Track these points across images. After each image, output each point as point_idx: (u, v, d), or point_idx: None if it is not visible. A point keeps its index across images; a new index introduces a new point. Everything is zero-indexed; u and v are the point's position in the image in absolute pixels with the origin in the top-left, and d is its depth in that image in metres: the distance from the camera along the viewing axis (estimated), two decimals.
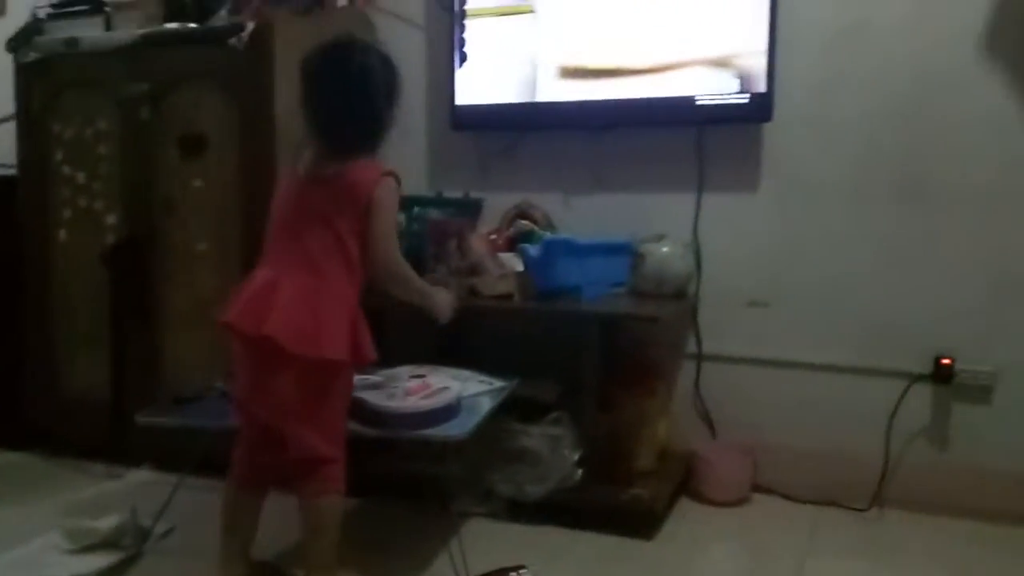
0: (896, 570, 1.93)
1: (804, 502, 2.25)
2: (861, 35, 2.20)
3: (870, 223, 2.23)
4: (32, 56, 2.49)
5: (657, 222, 2.33)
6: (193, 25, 2.36)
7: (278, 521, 1.75)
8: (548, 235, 2.32)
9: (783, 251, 2.31)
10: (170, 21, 2.39)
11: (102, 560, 1.85)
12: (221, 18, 2.35)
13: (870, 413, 2.23)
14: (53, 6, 2.59)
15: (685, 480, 2.29)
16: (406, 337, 2.33)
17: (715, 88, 2.24)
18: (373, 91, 1.59)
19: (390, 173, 1.63)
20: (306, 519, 1.62)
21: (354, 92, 1.58)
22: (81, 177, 2.47)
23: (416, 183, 2.58)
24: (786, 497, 2.28)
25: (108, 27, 2.47)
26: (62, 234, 2.52)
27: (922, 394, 2.21)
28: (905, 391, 2.20)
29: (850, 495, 2.23)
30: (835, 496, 2.24)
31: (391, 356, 2.06)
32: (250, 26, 2.21)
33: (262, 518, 1.73)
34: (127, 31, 2.39)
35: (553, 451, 2.08)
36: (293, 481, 1.63)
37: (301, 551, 1.68)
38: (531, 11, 2.40)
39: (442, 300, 1.79)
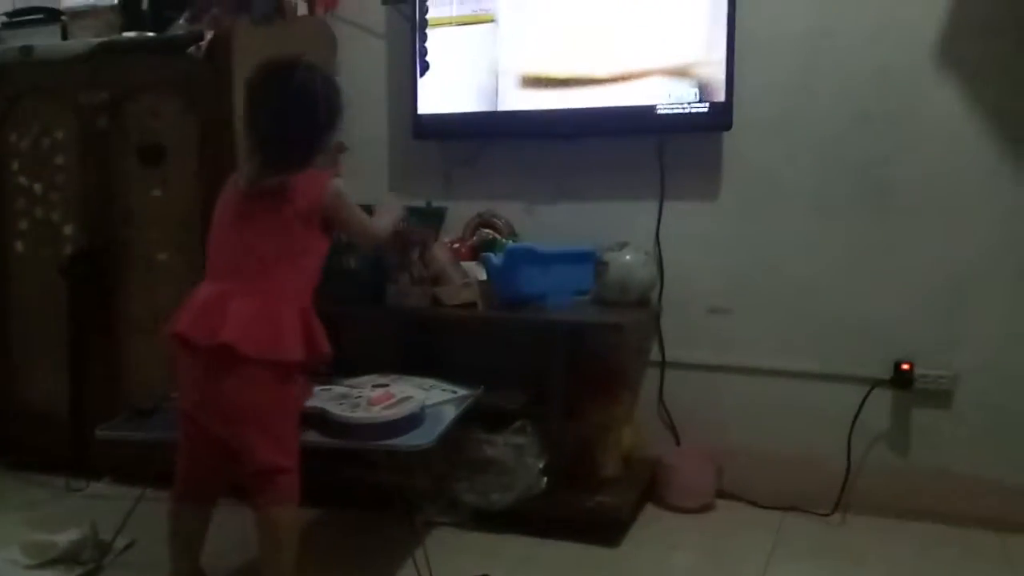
0: (860, 573, 1.94)
1: (768, 508, 2.27)
2: (821, 43, 2.23)
3: (831, 229, 2.26)
4: None
5: (620, 230, 2.34)
6: (151, 34, 2.34)
7: (239, 534, 1.73)
8: (511, 244, 2.32)
9: (745, 258, 2.33)
10: (128, 30, 2.37)
11: (61, 575, 1.82)
12: (180, 27, 2.33)
13: (833, 418, 2.25)
14: (8, 15, 2.56)
15: (650, 487, 2.30)
16: (370, 346, 2.33)
17: (675, 97, 2.25)
18: (311, 109, 1.64)
19: (332, 176, 1.70)
20: (261, 531, 1.61)
21: (292, 109, 1.62)
22: (38, 188, 2.44)
23: (378, 192, 2.58)
24: (751, 503, 2.30)
25: (65, 36, 2.45)
26: (19, 245, 2.48)
27: (883, 399, 2.23)
28: (866, 396, 2.22)
29: (814, 500, 2.25)
30: (799, 501, 2.25)
31: (355, 365, 2.05)
32: (209, 35, 2.19)
33: (221, 532, 1.71)
34: (84, 40, 2.37)
35: (518, 459, 2.08)
36: (247, 493, 1.62)
37: (260, 564, 1.65)
38: (492, 20, 2.40)
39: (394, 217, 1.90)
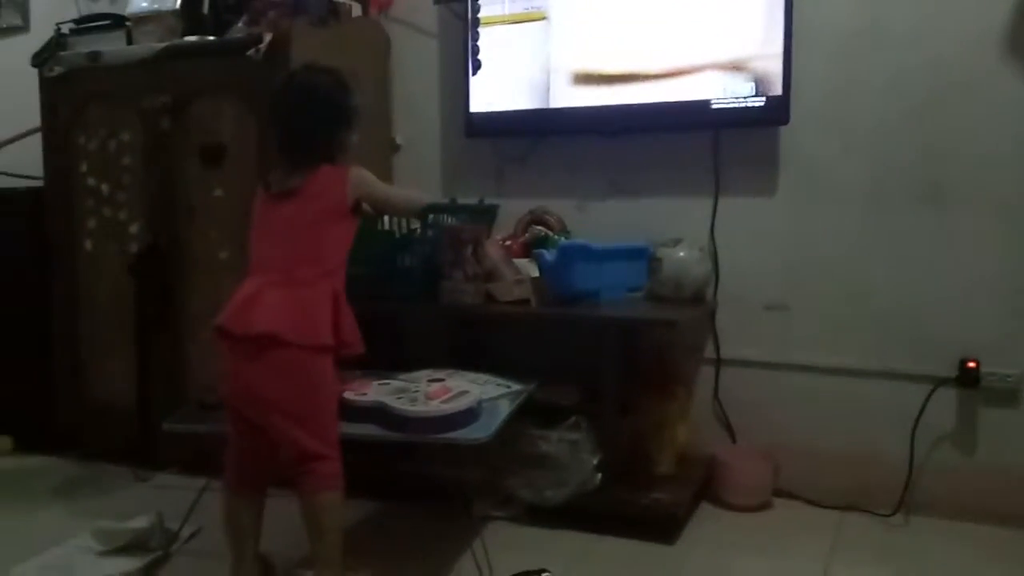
0: (920, 575, 1.90)
1: (827, 507, 2.23)
2: (878, 37, 2.18)
3: (891, 225, 2.21)
4: (57, 71, 2.54)
5: (673, 226, 2.33)
6: (211, 38, 2.39)
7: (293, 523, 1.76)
8: (563, 240, 2.33)
9: (802, 254, 2.30)
10: (189, 34, 2.43)
11: (132, 562, 1.89)
12: (239, 30, 2.38)
13: (894, 417, 2.20)
14: (76, 21, 2.65)
15: (706, 485, 2.28)
16: (424, 343, 2.36)
17: (731, 91, 2.23)
18: (315, 107, 1.75)
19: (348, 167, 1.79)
20: (306, 518, 1.65)
21: (297, 109, 1.76)
22: (105, 188, 2.52)
23: (431, 190, 2.60)
24: (809, 502, 2.26)
25: (129, 41, 2.52)
26: (88, 244, 2.56)
27: (947, 398, 2.18)
28: (930, 395, 2.17)
29: (875, 500, 2.20)
30: (859, 501, 2.21)
31: (409, 361, 2.08)
32: (267, 38, 2.24)
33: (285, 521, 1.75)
34: (148, 44, 2.43)
35: (572, 455, 2.08)
36: (290, 481, 1.66)
37: (309, 551, 1.69)
38: (544, 17, 2.41)
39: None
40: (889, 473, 2.20)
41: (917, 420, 2.18)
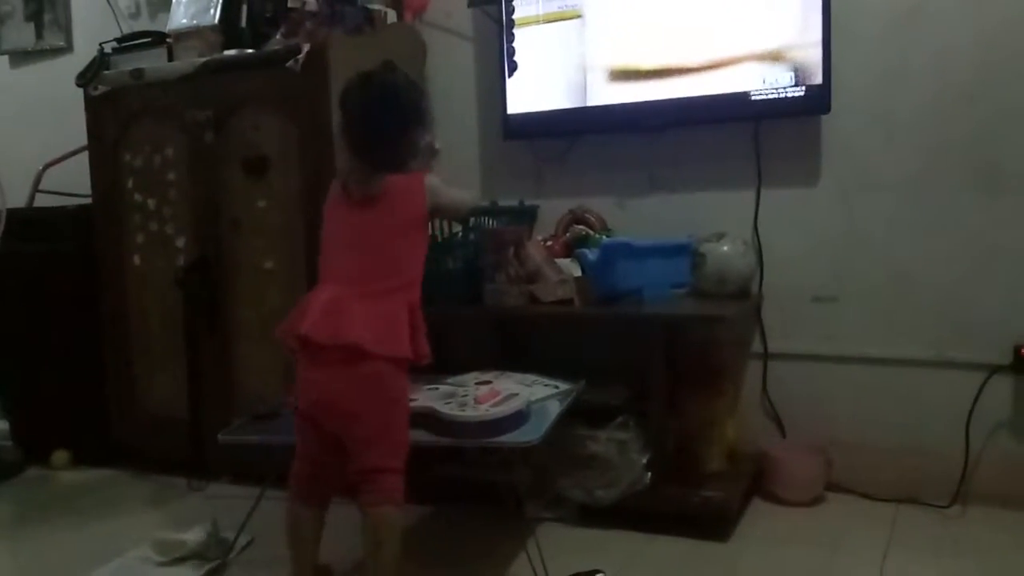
0: (982, 569, 1.87)
1: (882, 500, 2.20)
2: (920, 19, 2.15)
3: (939, 211, 2.17)
4: (101, 89, 2.60)
5: (715, 221, 2.31)
6: (250, 51, 2.43)
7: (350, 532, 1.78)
8: (605, 239, 2.32)
9: (848, 244, 2.27)
10: (228, 48, 2.47)
11: (191, 572, 1.92)
12: (276, 42, 2.42)
13: (948, 407, 2.17)
14: (118, 40, 2.71)
15: (757, 481, 2.26)
16: (469, 345, 2.36)
17: (770, 82, 2.20)
18: (393, 109, 1.72)
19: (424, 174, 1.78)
20: (365, 529, 1.65)
21: (376, 111, 1.71)
22: (152, 203, 2.57)
23: (472, 192, 2.61)
24: (863, 495, 2.23)
25: (171, 57, 2.57)
26: (136, 259, 2.62)
27: (1002, 385, 2.14)
28: (984, 383, 2.13)
29: (930, 492, 2.17)
30: (914, 493, 2.18)
31: (456, 363, 2.09)
32: (305, 48, 2.26)
33: (336, 529, 1.77)
34: (189, 60, 2.48)
35: (622, 455, 2.08)
36: (354, 491, 1.66)
37: (364, 561, 1.70)
38: (579, 15, 2.40)
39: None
40: (944, 464, 2.16)
41: (972, 409, 2.14)
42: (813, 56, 2.15)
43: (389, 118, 1.70)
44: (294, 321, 1.66)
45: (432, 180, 1.77)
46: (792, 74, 2.18)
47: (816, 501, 2.22)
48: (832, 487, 2.26)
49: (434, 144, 2.25)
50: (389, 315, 1.65)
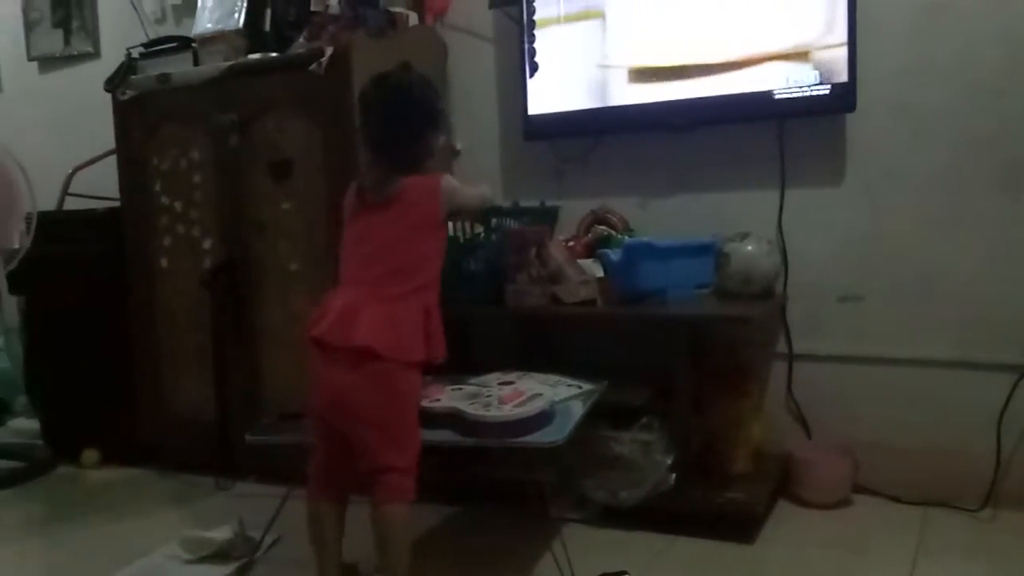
0: (1015, 573, 1.84)
1: (911, 503, 2.17)
2: (946, 15, 2.12)
3: (967, 209, 2.14)
4: (129, 94, 2.63)
5: (739, 220, 2.29)
6: (274, 54, 2.45)
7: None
8: (628, 239, 2.31)
9: (874, 244, 2.24)
10: (252, 52, 2.49)
11: (219, 570, 1.94)
12: (300, 45, 2.43)
13: (978, 408, 2.13)
14: (145, 45, 2.74)
15: (782, 482, 2.24)
16: (491, 346, 2.37)
17: (794, 80, 2.19)
18: (408, 109, 1.74)
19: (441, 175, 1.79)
20: (375, 527, 1.67)
21: (390, 112, 1.73)
22: (178, 206, 2.60)
23: (493, 191, 2.61)
24: (891, 498, 2.20)
25: (196, 62, 2.60)
26: (163, 261, 2.65)
27: None
28: (1016, 383, 2.09)
29: (961, 495, 2.13)
30: (944, 496, 2.15)
31: (478, 364, 2.09)
32: (328, 51, 2.28)
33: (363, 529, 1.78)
34: (214, 64, 2.50)
35: (646, 456, 2.07)
36: (366, 488, 1.68)
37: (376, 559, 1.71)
38: (600, 15, 2.40)
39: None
40: (975, 466, 2.13)
41: (1003, 410, 2.10)
42: (838, 53, 2.13)
43: (403, 119, 1.72)
44: (312, 324, 1.69)
45: (449, 180, 1.78)
46: (817, 72, 2.16)
47: (842, 503, 2.20)
48: (859, 489, 2.23)
49: (454, 145, 2.27)
50: (403, 319, 1.67)
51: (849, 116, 2.21)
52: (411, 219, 1.72)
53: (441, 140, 1.80)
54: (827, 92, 2.16)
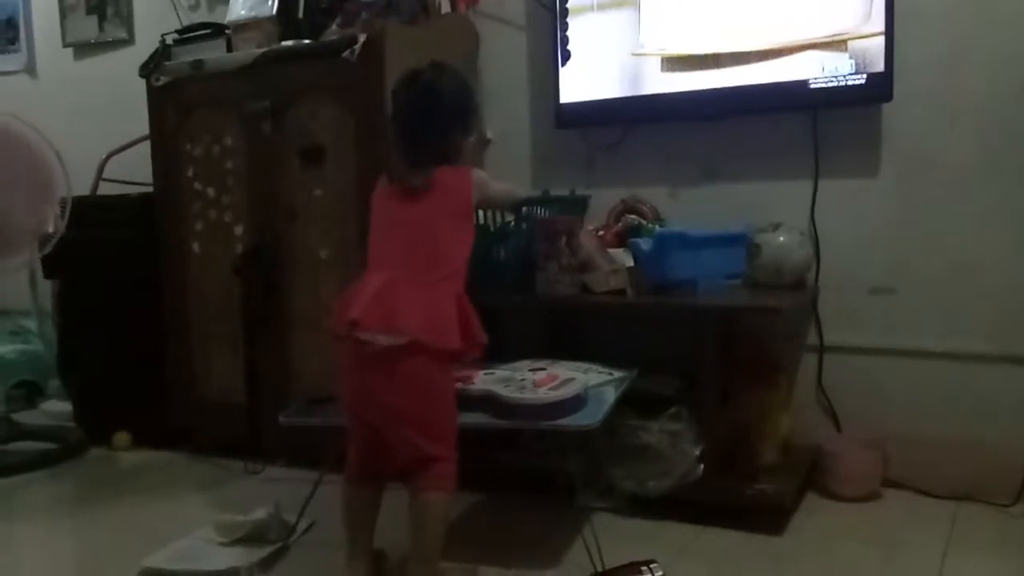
0: None
1: (941, 497, 2.15)
2: (985, 4, 2.09)
3: (1004, 201, 2.11)
4: (163, 80, 2.66)
5: (771, 211, 2.27)
6: (307, 41, 2.46)
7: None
8: (659, 229, 2.30)
9: (908, 235, 2.22)
10: (286, 39, 2.50)
11: (255, 552, 1.95)
12: (333, 32, 2.44)
13: (1011, 401, 2.11)
14: (179, 32, 2.76)
15: (811, 475, 2.23)
16: (521, 334, 2.37)
17: (829, 70, 2.16)
18: (437, 105, 1.75)
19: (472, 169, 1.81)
20: (412, 513, 1.67)
21: (421, 107, 1.74)
22: (211, 191, 2.62)
23: (522, 183, 2.61)
24: (921, 492, 2.19)
25: (229, 48, 2.61)
26: (196, 246, 2.67)
27: None
28: None
29: (992, 490, 2.11)
30: (975, 491, 2.13)
31: (507, 352, 2.10)
32: (362, 38, 2.28)
33: (394, 515, 1.79)
34: (247, 51, 2.51)
35: (674, 446, 2.07)
36: (405, 475, 1.69)
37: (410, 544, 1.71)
38: (634, 3, 2.38)
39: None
40: (1007, 461, 2.10)
41: None
42: (874, 43, 2.11)
43: (429, 121, 1.74)
44: (344, 308, 1.67)
45: (479, 174, 1.81)
46: (853, 62, 2.14)
47: (872, 497, 2.19)
48: (889, 483, 2.22)
49: (486, 135, 2.27)
50: (438, 304, 1.66)
51: (885, 106, 2.18)
52: (442, 209, 1.72)
53: (472, 139, 1.81)
54: (863, 82, 2.14)
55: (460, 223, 1.75)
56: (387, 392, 1.64)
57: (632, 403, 2.06)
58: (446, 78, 1.78)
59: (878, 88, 2.13)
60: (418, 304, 1.64)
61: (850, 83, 2.15)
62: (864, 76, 2.13)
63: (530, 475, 2.16)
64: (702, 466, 2.07)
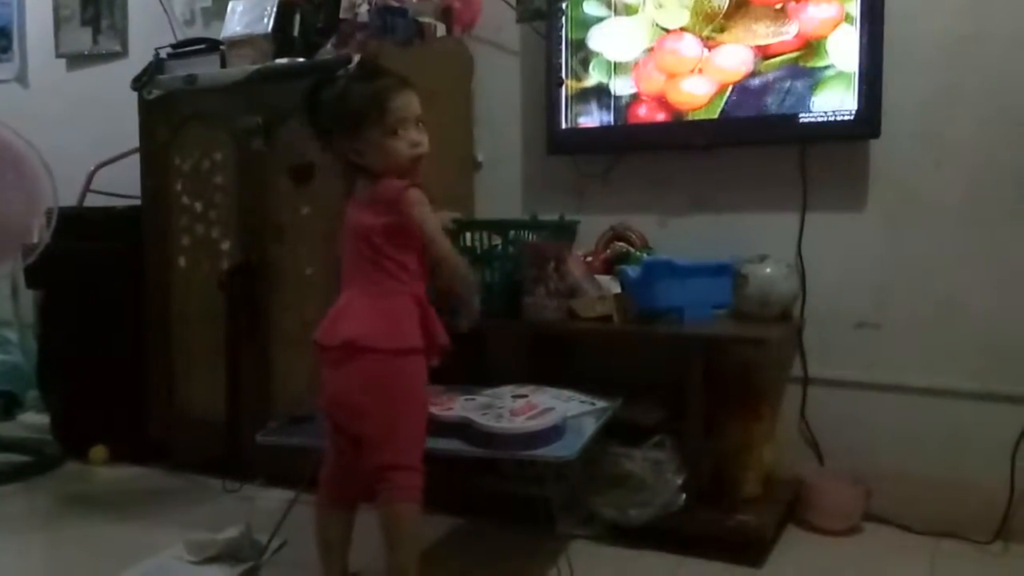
0: None
1: (921, 533, 2.15)
2: (975, 47, 2.12)
3: (987, 241, 2.14)
4: (155, 93, 2.65)
5: (758, 243, 2.28)
6: (302, 60, 2.46)
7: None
8: (647, 256, 2.31)
9: (894, 271, 2.23)
10: (280, 57, 2.50)
11: (227, 572, 1.93)
12: (327, 52, 2.45)
13: (993, 439, 2.12)
14: (173, 46, 2.76)
15: (792, 508, 2.22)
16: (506, 358, 2.37)
17: (818, 105, 2.19)
18: (316, 124, 1.79)
19: (412, 186, 1.68)
20: (382, 529, 1.66)
21: (308, 121, 1.80)
22: (199, 206, 2.61)
23: (512, 207, 2.63)
24: (902, 527, 2.19)
25: (223, 64, 2.61)
26: (181, 261, 2.66)
27: None
28: None
29: (972, 527, 2.12)
30: (955, 528, 2.13)
31: (492, 376, 2.09)
32: (356, 59, 2.29)
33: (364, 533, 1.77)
34: (241, 67, 2.51)
35: (656, 475, 2.06)
36: (373, 491, 1.67)
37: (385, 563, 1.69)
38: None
39: (476, 302, 1.79)
40: (987, 499, 2.11)
41: (1018, 443, 2.09)
42: (863, 80, 2.13)
43: (312, 127, 1.80)
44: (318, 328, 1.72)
45: (417, 193, 1.67)
46: (841, 97, 2.17)
47: (853, 531, 2.18)
48: (870, 518, 2.21)
49: (476, 157, 2.24)
50: (393, 308, 1.67)
51: (873, 142, 2.21)
52: (382, 216, 1.68)
53: (374, 137, 1.69)
54: (851, 117, 2.16)
55: (397, 231, 1.67)
56: (349, 389, 1.66)
57: (615, 431, 2.05)
58: (338, 85, 1.78)
59: (866, 124, 2.15)
60: (369, 312, 1.66)
61: (838, 118, 2.17)
62: (852, 112, 2.16)
63: (510, 501, 2.15)
64: (684, 496, 2.06)
